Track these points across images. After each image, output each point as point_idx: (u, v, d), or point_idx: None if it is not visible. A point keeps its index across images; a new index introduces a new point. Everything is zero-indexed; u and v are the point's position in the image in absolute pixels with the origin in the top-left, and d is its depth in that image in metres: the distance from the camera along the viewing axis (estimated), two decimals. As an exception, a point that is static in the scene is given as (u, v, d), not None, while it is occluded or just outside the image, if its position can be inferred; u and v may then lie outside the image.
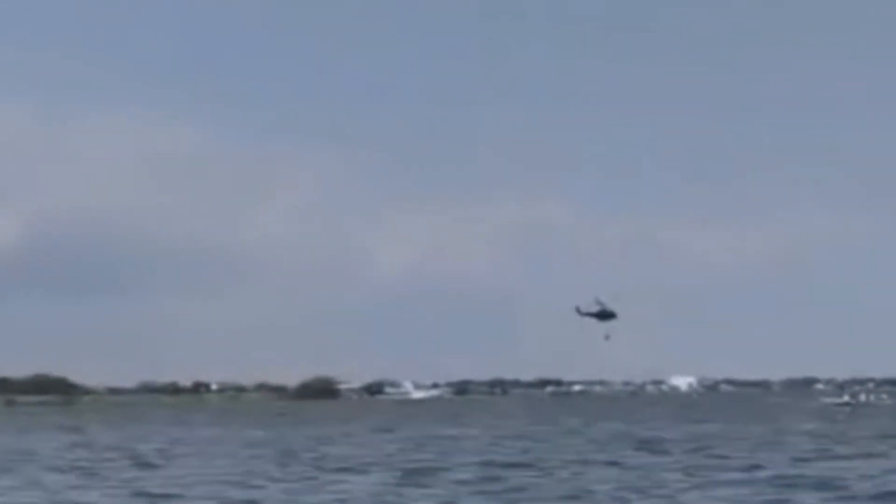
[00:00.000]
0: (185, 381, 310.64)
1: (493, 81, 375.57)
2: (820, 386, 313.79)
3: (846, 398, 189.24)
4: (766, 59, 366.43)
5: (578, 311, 58.51)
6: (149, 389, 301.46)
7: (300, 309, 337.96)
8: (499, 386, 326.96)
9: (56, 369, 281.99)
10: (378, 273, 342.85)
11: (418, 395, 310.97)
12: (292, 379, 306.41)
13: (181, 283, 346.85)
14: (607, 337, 58.84)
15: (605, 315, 56.79)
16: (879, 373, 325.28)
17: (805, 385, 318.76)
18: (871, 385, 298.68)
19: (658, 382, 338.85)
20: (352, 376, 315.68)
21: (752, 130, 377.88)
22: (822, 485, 42.65)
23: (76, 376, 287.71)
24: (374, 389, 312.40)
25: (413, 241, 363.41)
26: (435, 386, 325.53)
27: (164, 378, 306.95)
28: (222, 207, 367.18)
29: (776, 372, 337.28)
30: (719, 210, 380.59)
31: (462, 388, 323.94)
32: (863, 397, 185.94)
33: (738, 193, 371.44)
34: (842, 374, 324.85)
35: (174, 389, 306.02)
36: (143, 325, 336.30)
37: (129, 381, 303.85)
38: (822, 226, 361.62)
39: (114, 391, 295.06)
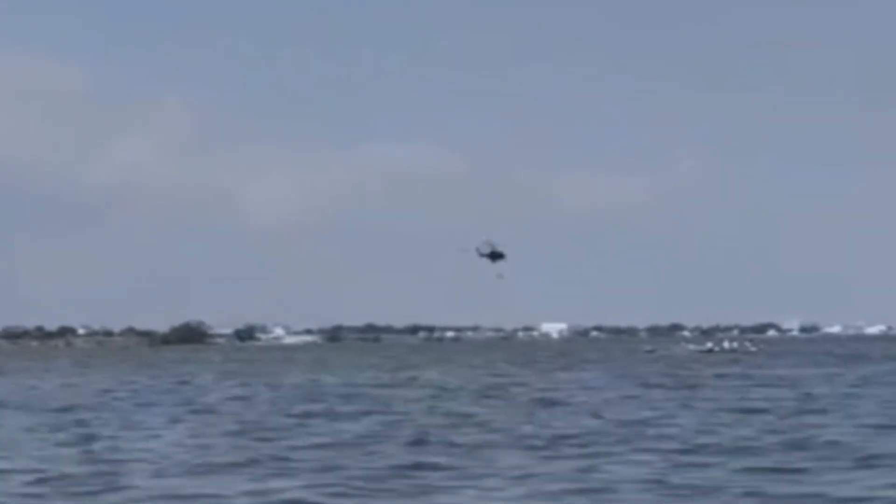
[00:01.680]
0: (51, 325, 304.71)
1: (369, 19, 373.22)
2: (686, 333, 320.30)
3: (709, 345, 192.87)
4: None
5: (478, 251, 59.08)
6: (13, 334, 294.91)
7: (169, 252, 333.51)
8: (371, 332, 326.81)
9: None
10: (247, 215, 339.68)
11: (290, 340, 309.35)
12: (162, 324, 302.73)
13: (45, 224, 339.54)
14: (499, 276, 59.14)
15: (496, 255, 58.07)
16: (743, 320, 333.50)
17: (671, 332, 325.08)
18: (735, 332, 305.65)
19: (529, 329, 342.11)
20: (223, 322, 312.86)
21: (634, 75, 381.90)
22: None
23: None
24: (244, 335, 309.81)
25: (283, 182, 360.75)
26: (308, 332, 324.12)
27: (28, 323, 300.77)
28: (85, 145, 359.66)
29: (645, 319, 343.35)
30: (591, 155, 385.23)
31: (334, 334, 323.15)
32: (726, 344, 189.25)
33: (613, 139, 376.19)
34: (707, 322, 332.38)
35: (41, 334, 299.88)
36: (5, 268, 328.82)
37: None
38: (692, 174, 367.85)
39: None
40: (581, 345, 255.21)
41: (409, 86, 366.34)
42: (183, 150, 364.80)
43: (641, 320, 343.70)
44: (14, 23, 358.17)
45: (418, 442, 39.37)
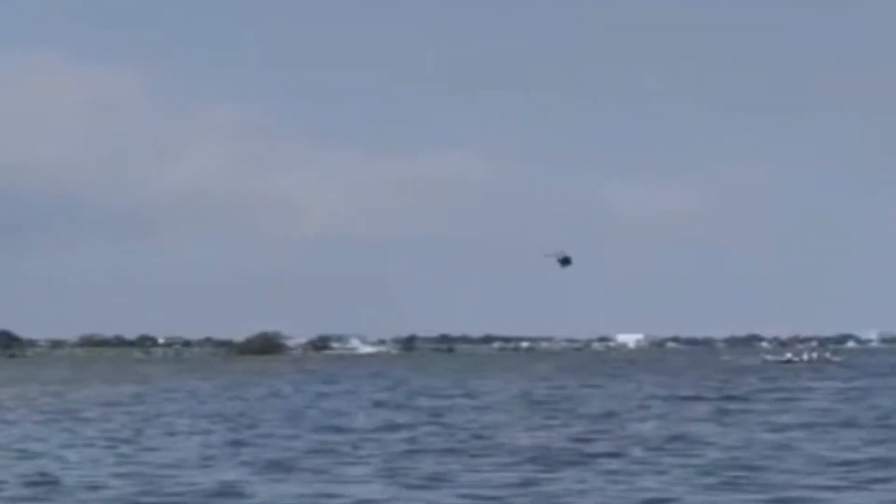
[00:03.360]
0: (131, 334, 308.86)
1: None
2: (764, 344, 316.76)
3: (788, 356, 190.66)
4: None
5: (556, 257, 62.90)
6: (92, 342, 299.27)
7: (245, 261, 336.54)
8: (445, 342, 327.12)
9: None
10: (322, 225, 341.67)
11: (365, 350, 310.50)
12: (239, 334, 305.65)
13: (123, 234, 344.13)
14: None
15: (566, 261, 61.58)
16: (822, 331, 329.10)
17: (749, 343, 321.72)
18: (814, 343, 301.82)
19: (605, 340, 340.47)
20: (299, 332, 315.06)
21: (697, 87, 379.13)
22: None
23: (19, 330, 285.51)
24: (319, 345, 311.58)
25: (358, 191, 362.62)
26: (381, 342, 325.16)
27: (109, 331, 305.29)
28: (155, 154, 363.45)
29: (723, 330, 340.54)
30: (664, 166, 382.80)
31: (409, 344, 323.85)
32: (805, 356, 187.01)
33: (684, 149, 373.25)
34: (786, 333, 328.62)
35: (119, 343, 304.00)
36: (88, 278, 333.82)
37: (71, 334, 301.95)
38: (769, 185, 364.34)
39: (56, 344, 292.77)
40: (657, 355, 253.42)
41: (469, 95, 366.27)
42: (252, 158, 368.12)
43: (719, 331, 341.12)
44: (69, 33, 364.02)
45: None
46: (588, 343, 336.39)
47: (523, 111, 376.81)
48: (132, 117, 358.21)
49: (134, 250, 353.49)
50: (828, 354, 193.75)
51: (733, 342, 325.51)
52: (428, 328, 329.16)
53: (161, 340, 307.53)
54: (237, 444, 42.41)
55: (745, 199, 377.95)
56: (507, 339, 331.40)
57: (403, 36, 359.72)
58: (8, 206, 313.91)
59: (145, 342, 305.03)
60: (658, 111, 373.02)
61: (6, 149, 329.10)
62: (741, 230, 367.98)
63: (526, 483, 30.61)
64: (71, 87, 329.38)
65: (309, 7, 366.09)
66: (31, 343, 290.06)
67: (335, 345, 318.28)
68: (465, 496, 28.87)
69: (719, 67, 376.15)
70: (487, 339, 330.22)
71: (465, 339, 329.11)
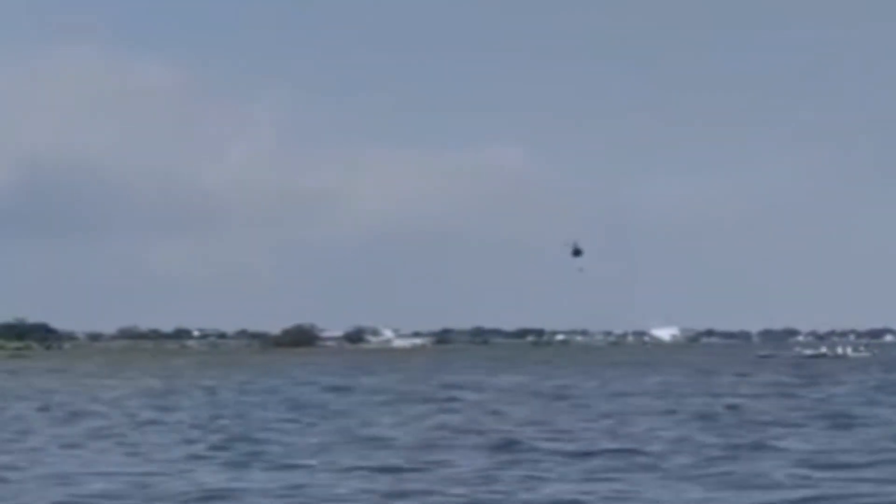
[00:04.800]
0: (167, 327, 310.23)
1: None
2: (801, 338, 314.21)
3: (823, 349, 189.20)
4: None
5: (573, 246, 66.42)
6: (129, 335, 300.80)
7: (280, 254, 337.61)
8: (480, 335, 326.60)
9: (35, 315, 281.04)
10: (357, 218, 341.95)
11: (399, 343, 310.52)
12: (274, 326, 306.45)
13: (159, 228, 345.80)
14: (581, 269, 68.97)
15: (577, 252, 65.44)
16: (860, 325, 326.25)
17: (785, 336, 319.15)
18: (851, 337, 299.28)
19: (640, 333, 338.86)
20: (333, 324, 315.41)
21: (736, 79, 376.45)
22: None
23: (56, 322, 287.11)
24: (354, 338, 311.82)
25: (392, 185, 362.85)
26: (416, 334, 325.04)
27: (144, 325, 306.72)
28: (195, 149, 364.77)
29: (760, 323, 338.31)
30: (702, 160, 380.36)
31: (443, 337, 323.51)
32: (839, 349, 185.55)
33: (718, 140, 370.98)
34: (823, 327, 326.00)
35: (156, 336, 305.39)
36: (125, 271, 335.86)
37: (108, 327, 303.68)
38: (807, 179, 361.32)
39: (93, 337, 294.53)
40: (689, 349, 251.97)
41: (507, 89, 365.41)
42: (291, 152, 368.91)
43: (755, 324, 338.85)
44: (111, 25, 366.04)
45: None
46: (623, 336, 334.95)
47: (557, 107, 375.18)
48: (175, 112, 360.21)
49: (172, 244, 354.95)
50: (862, 348, 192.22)
51: (769, 336, 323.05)
52: (462, 321, 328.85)
53: (196, 333, 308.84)
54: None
55: (783, 193, 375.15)
56: (540, 332, 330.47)
57: (437, 32, 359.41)
58: (47, 201, 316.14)
59: (181, 335, 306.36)
60: (699, 104, 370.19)
61: (46, 143, 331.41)
62: (779, 224, 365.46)
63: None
64: (115, 81, 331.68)
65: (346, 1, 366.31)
66: (69, 336, 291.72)
67: (370, 337, 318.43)
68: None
69: (748, 62, 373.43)
70: (522, 333, 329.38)
71: (499, 333, 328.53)
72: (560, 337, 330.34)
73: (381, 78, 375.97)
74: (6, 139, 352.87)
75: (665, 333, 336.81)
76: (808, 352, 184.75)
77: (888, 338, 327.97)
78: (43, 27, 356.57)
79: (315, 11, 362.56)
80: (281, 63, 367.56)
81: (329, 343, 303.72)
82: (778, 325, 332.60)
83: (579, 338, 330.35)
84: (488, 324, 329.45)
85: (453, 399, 65.42)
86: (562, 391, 73.10)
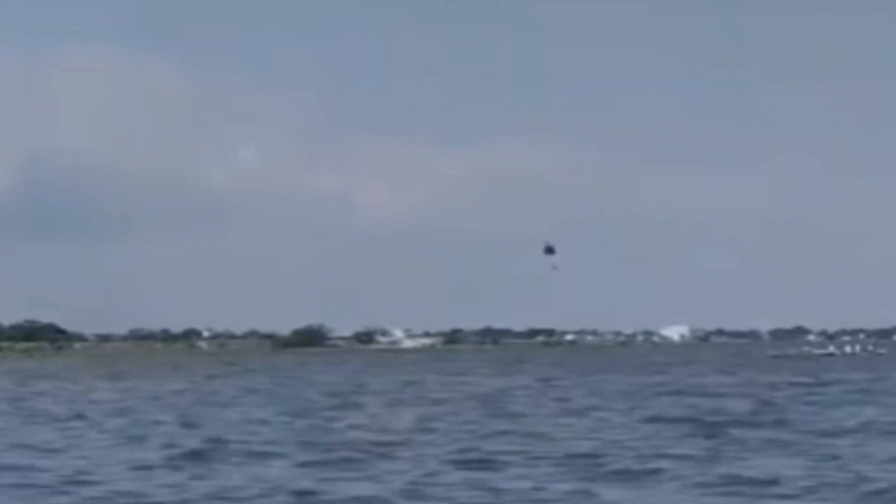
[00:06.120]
0: (177, 328, 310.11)
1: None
2: (811, 337, 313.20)
3: (831, 348, 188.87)
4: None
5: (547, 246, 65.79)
6: (139, 336, 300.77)
7: (289, 254, 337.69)
8: (490, 335, 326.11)
9: (45, 315, 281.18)
10: (365, 218, 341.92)
11: (409, 343, 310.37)
12: (284, 327, 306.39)
13: (168, 227, 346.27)
14: (555, 267, 64.84)
15: (549, 250, 64.58)
16: (870, 324, 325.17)
17: (796, 335, 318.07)
18: (861, 336, 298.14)
19: (649, 333, 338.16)
20: (343, 325, 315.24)
21: (746, 76, 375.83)
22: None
23: (65, 323, 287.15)
24: (364, 338, 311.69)
25: (401, 184, 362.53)
26: (426, 335, 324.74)
27: (154, 326, 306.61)
28: (204, 148, 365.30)
29: (768, 322, 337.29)
30: (707, 157, 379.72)
31: (453, 337, 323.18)
32: (848, 349, 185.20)
33: (729, 140, 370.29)
34: (833, 325, 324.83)
35: (166, 337, 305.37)
36: (135, 272, 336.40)
37: (119, 328, 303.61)
38: (816, 176, 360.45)
39: (103, 338, 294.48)
40: (699, 349, 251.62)
41: (525, 87, 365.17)
42: (301, 153, 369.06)
43: (765, 323, 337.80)
44: (126, 25, 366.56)
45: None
46: (633, 336, 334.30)
47: (570, 107, 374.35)
48: (184, 112, 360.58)
49: (181, 245, 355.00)
50: (870, 347, 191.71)
51: (780, 335, 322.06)
52: (472, 321, 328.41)
53: (206, 333, 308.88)
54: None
55: (791, 190, 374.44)
56: (550, 332, 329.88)
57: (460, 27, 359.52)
58: (56, 201, 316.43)
59: (190, 336, 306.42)
60: (709, 98, 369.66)
61: (59, 143, 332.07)
62: (787, 222, 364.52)
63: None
64: (128, 79, 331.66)
65: None
66: (79, 336, 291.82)
67: (380, 338, 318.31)
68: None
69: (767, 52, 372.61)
70: (532, 333, 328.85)
71: (509, 333, 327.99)
72: (570, 337, 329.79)
73: (395, 77, 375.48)
74: (15, 139, 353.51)
75: (674, 333, 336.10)
76: (818, 351, 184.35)
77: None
78: (54, 27, 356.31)
79: (326, 12, 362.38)
80: (293, 63, 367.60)
81: (339, 343, 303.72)
82: (788, 323, 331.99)
83: (589, 338, 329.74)
84: (498, 324, 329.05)
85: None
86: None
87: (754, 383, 79.26)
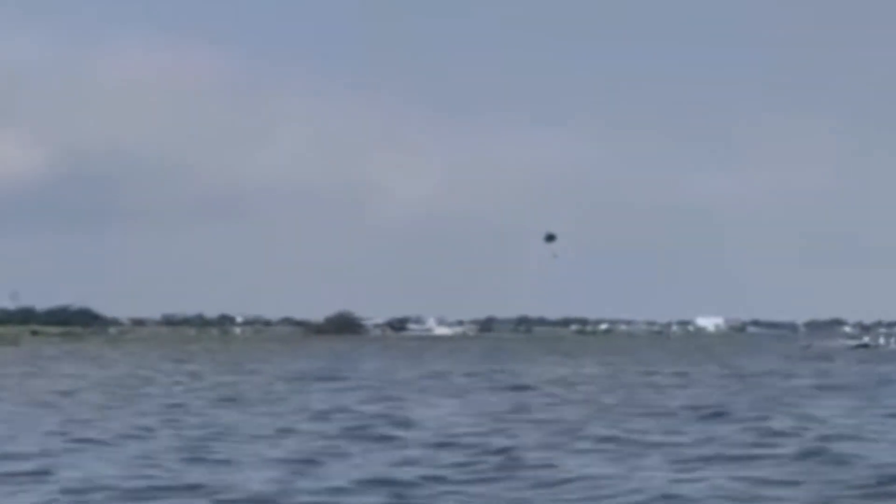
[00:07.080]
0: (211, 313, 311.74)
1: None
2: (847, 328, 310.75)
3: (865, 339, 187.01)
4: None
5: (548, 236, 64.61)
6: (173, 322, 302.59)
7: (324, 242, 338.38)
8: (524, 324, 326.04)
9: (79, 300, 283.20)
10: (401, 206, 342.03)
11: (442, 331, 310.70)
12: (318, 314, 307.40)
13: (205, 214, 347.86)
14: (555, 255, 64.24)
15: (550, 237, 63.67)
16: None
17: (831, 327, 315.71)
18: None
19: (684, 323, 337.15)
20: (377, 312, 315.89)
21: (785, 70, 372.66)
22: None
23: (100, 307, 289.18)
24: (397, 326, 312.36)
25: (436, 173, 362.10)
26: (460, 323, 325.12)
27: (188, 310, 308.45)
28: (242, 138, 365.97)
29: (804, 313, 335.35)
30: (743, 149, 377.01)
31: (487, 325, 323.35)
32: (882, 340, 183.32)
33: (762, 130, 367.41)
34: (870, 317, 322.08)
35: (200, 322, 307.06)
36: (170, 257, 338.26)
37: (152, 313, 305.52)
38: (855, 165, 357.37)
39: (137, 322, 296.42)
40: (728, 340, 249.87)
41: (554, 77, 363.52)
42: (335, 141, 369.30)
43: (800, 315, 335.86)
44: (160, 15, 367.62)
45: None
46: (667, 326, 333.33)
47: (604, 96, 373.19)
48: (221, 99, 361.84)
49: (217, 230, 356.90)
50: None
51: (815, 326, 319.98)
52: (506, 310, 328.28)
53: (240, 319, 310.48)
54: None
55: (830, 181, 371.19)
56: (584, 322, 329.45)
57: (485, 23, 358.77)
58: (92, 186, 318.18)
59: (224, 322, 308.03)
60: (744, 94, 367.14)
61: (93, 131, 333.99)
62: (823, 212, 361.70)
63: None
64: (162, 68, 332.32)
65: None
66: (114, 321, 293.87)
67: (413, 326, 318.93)
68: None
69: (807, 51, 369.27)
70: (565, 322, 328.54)
71: (542, 321, 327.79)
72: (604, 326, 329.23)
73: (429, 68, 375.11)
74: (49, 127, 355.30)
75: (709, 323, 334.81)
76: (851, 343, 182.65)
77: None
78: (90, 14, 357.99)
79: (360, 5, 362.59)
80: (330, 52, 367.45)
81: (373, 331, 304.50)
82: (824, 315, 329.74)
83: (623, 327, 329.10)
84: (532, 312, 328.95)
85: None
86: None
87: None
